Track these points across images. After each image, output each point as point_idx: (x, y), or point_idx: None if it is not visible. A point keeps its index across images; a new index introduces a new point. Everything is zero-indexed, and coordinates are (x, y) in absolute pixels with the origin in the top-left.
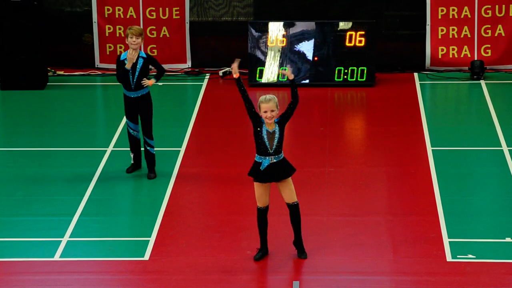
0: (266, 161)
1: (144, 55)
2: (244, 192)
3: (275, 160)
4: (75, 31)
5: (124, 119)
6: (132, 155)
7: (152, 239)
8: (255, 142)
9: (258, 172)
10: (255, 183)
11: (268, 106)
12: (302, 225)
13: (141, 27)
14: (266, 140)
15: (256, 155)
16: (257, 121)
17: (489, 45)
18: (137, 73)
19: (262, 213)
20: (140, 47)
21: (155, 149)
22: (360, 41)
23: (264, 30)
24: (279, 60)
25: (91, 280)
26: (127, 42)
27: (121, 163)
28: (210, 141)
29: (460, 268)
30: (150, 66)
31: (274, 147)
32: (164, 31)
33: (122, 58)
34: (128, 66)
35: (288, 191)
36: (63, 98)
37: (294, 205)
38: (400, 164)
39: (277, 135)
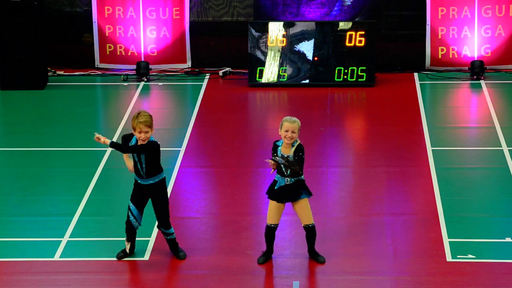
0: (282, 181)
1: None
2: (244, 192)
3: (291, 182)
4: (75, 31)
5: (124, 120)
6: (128, 246)
7: (152, 239)
8: None
9: (272, 190)
10: (269, 200)
11: (292, 126)
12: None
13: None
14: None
15: (276, 173)
16: (273, 151)
17: (489, 45)
18: (143, 161)
19: (270, 231)
20: None
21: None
22: (360, 41)
23: (264, 30)
24: (279, 60)
25: (91, 280)
26: (134, 134)
27: (121, 163)
28: (210, 141)
29: (460, 268)
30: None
31: (289, 170)
32: (164, 31)
33: (133, 142)
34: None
35: (304, 213)
36: (63, 98)
37: (309, 228)
38: (400, 164)
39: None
